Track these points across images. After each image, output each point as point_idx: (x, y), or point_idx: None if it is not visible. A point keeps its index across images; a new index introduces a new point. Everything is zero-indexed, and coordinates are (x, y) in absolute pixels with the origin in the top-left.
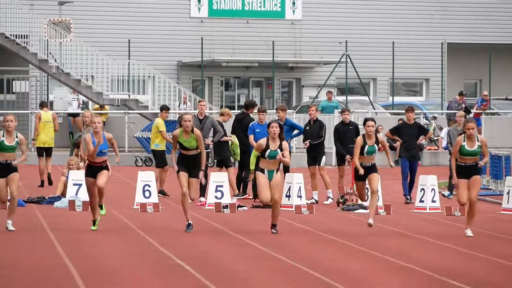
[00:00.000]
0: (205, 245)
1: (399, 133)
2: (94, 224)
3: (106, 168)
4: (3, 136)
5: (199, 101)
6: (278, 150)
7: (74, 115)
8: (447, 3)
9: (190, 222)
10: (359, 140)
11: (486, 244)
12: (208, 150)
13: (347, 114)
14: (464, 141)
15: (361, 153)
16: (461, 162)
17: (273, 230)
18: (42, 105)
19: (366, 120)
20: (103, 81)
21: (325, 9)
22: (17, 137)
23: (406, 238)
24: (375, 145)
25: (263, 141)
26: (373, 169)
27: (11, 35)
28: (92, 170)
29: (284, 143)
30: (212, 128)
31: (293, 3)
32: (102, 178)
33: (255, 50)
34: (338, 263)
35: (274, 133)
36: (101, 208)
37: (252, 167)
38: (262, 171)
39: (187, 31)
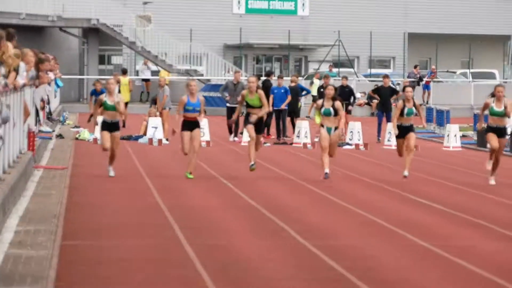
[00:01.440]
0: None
1: (378, 93)
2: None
3: (198, 125)
4: (105, 97)
5: (235, 71)
6: (331, 108)
7: (146, 80)
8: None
9: (253, 162)
10: (400, 104)
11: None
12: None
13: (345, 80)
14: (493, 103)
15: (401, 114)
16: (493, 123)
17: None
18: (123, 71)
19: (405, 87)
20: (173, 56)
21: (324, 8)
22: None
23: (380, 166)
24: (413, 108)
25: (320, 101)
26: (411, 129)
27: (111, 24)
28: (187, 125)
29: (337, 102)
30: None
31: (303, 4)
32: (197, 138)
33: (276, 36)
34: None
35: (329, 94)
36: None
37: (317, 121)
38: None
39: (231, 22)
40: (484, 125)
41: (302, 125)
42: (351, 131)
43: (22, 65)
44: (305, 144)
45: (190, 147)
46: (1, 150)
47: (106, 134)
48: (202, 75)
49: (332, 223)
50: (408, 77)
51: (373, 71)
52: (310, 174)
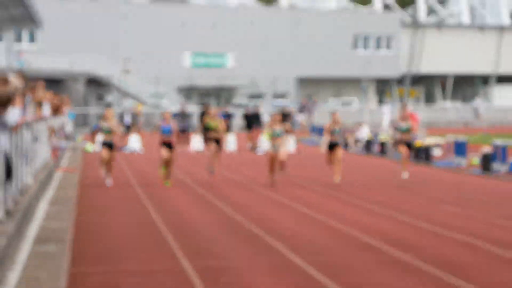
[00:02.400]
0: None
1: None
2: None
3: (172, 146)
4: (103, 121)
5: (180, 103)
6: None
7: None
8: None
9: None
10: (328, 125)
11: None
12: None
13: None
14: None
15: (331, 133)
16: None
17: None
18: (107, 105)
19: (333, 113)
20: (145, 94)
21: (244, 61)
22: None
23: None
24: (339, 128)
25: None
26: (337, 144)
27: (104, 74)
28: (164, 145)
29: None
30: None
31: (229, 59)
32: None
33: (212, 80)
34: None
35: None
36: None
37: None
38: None
39: (183, 72)
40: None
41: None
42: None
43: (46, 103)
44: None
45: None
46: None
47: (104, 150)
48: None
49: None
50: (301, 106)
51: (276, 102)
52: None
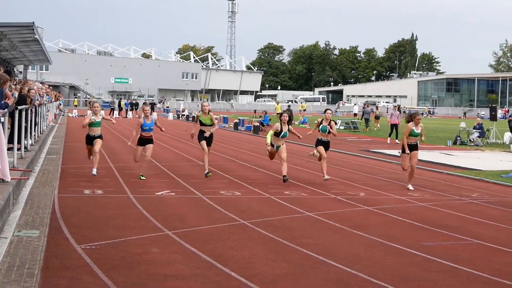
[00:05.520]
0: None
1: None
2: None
3: (151, 141)
4: (92, 116)
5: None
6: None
7: None
8: None
9: (208, 171)
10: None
11: None
12: None
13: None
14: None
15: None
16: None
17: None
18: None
19: (326, 110)
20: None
21: None
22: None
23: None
24: (327, 126)
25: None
26: (328, 143)
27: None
28: (142, 142)
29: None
30: None
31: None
32: (150, 149)
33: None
34: None
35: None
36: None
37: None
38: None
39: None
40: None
41: None
42: None
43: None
44: None
45: (141, 157)
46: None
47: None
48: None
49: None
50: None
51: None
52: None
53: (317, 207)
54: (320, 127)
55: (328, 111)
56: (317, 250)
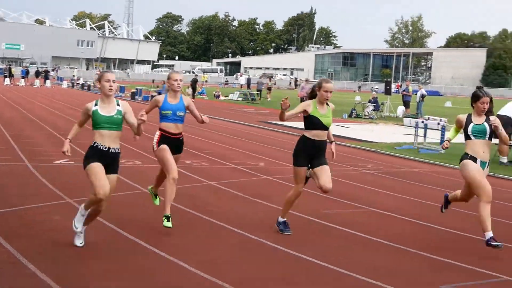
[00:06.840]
0: None
1: None
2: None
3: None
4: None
5: None
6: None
7: None
8: None
9: None
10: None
11: None
12: None
13: None
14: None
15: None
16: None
17: None
18: None
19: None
20: None
21: None
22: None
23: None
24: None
25: None
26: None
27: None
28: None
29: None
30: None
31: None
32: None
33: None
34: None
35: None
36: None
37: None
38: None
39: None
40: None
41: None
42: None
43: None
44: None
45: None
46: None
47: None
48: None
49: None
50: None
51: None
52: None
53: (219, 177)
54: None
55: None
56: (220, 217)
